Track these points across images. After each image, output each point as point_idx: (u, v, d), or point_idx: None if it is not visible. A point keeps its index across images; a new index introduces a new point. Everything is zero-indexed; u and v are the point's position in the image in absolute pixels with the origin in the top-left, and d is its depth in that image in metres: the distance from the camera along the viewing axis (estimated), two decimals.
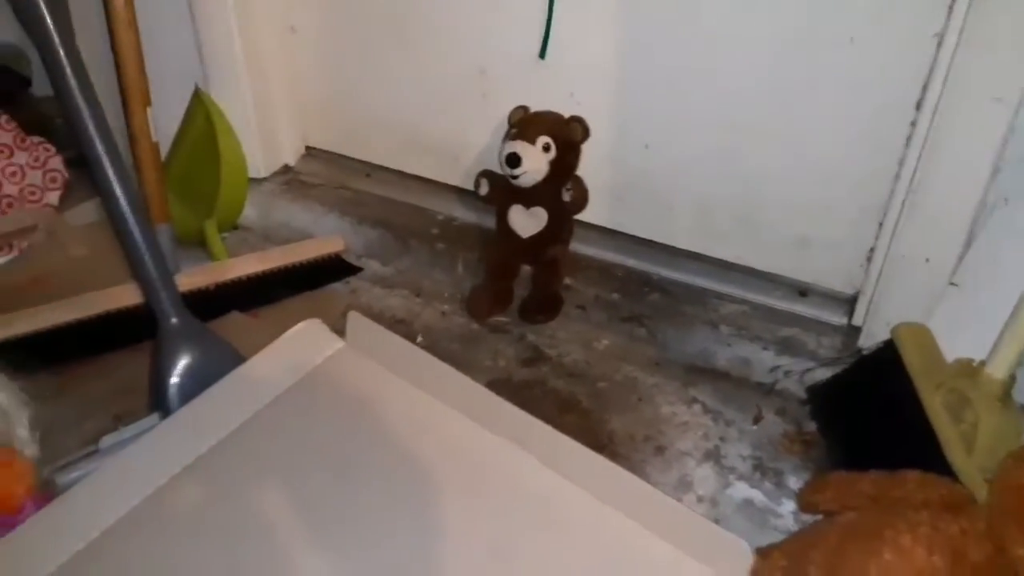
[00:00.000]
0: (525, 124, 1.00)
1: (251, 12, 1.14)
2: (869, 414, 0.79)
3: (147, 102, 0.91)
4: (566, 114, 1.02)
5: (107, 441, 0.77)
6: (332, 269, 1.14)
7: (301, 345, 0.86)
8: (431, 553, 0.67)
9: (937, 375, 0.71)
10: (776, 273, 1.02)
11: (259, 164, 1.24)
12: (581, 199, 1.02)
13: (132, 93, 0.89)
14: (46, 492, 0.71)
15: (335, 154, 1.30)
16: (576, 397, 0.93)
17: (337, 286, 1.13)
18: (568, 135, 0.99)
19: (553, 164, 0.99)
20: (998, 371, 0.66)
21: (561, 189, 1.01)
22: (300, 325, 0.87)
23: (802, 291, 1.01)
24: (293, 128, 1.28)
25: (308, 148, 1.31)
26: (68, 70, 0.72)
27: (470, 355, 0.99)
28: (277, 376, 0.82)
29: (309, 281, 1.12)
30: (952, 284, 0.80)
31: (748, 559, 0.63)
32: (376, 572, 0.66)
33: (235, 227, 1.22)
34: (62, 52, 0.72)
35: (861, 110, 0.88)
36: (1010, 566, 0.52)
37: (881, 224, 0.90)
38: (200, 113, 1.13)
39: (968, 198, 0.77)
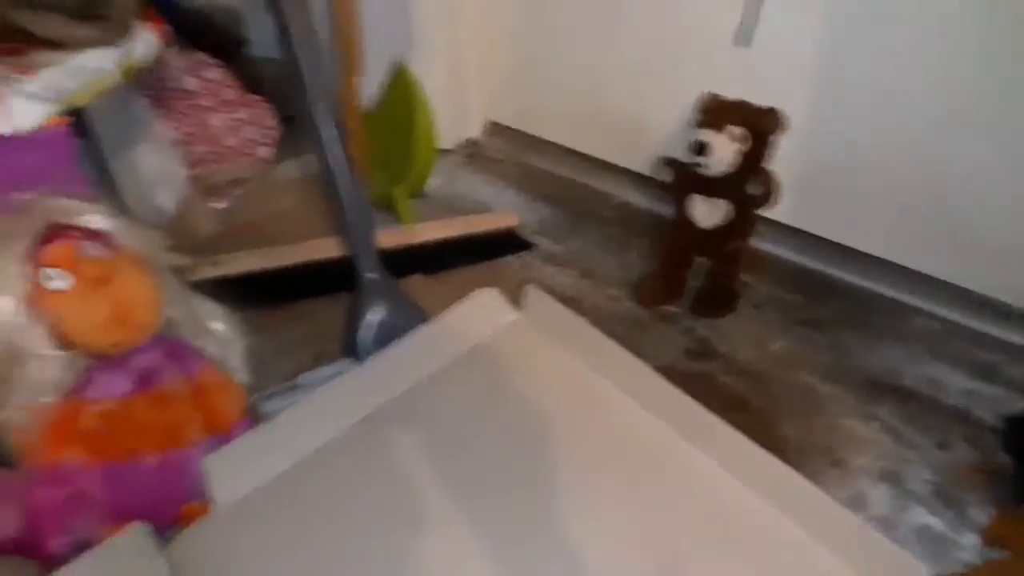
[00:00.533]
0: (716, 112, 0.98)
1: None
2: None
3: (358, 72, 0.97)
4: (761, 104, 0.99)
5: (306, 378, 0.84)
6: (506, 243, 1.18)
7: (479, 312, 0.90)
8: (591, 545, 0.67)
9: None
10: (978, 291, 0.95)
11: (447, 135, 1.30)
12: (769, 194, 0.99)
13: (347, 62, 0.96)
14: (252, 416, 0.78)
15: (517, 131, 1.34)
16: (746, 397, 0.91)
17: (509, 259, 1.17)
18: (762, 126, 0.96)
19: (743, 155, 0.96)
20: None
21: (748, 182, 0.99)
22: (479, 293, 0.91)
23: (1007, 313, 0.93)
24: (480, 103, 1.32)
25: (492, 123, 1.36)
26: (300, 36, 0.78)
27: (635, 341, 0.99)
28: (457, 339, 0.86)
29: (484, 252, 1.16)
30: None
31: None
32: (531, 552, 0.68)
33: (419, 194, 1.29)
34: (295, 18, 0.78)
35: None
36: None
37: None
38: (400, 85, 1.20)
39: None
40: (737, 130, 0.96)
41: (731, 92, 1.01)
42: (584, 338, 0.85)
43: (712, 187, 1.00)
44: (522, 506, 0.71)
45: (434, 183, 1.29)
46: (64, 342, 0.67)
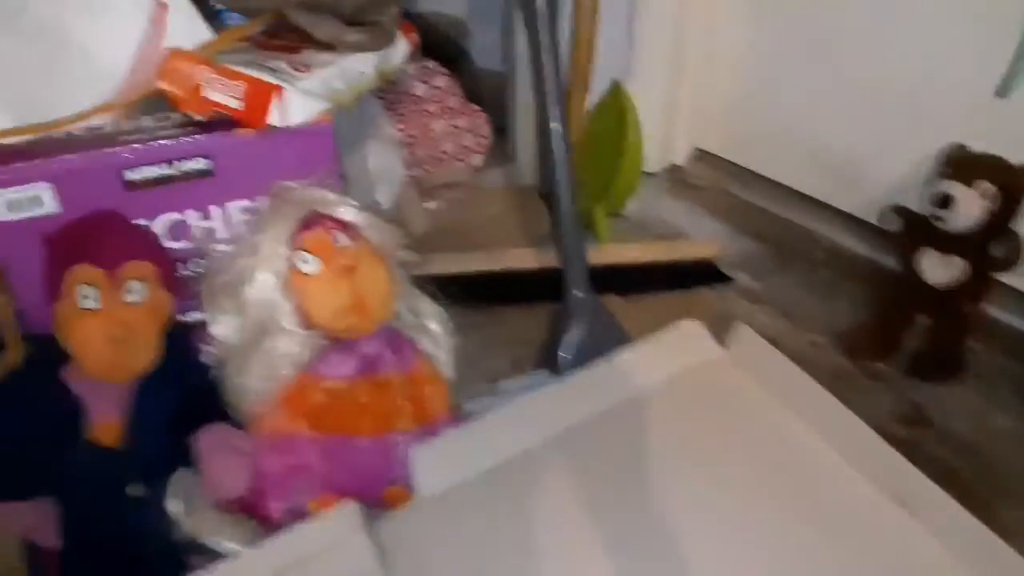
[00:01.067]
0: (967, 165, 0.91)
1: (685, 16, 1.18)
2: None
3: (587, 88, 0.99)
4: (1018, 162, 0.91)
5: (506, 385, 0.87)
6: (703, 273, 1.15)
7: (683, 343, 0.88)
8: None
9: None
10: None
11: (652, 159, 1.29)
12: (1015, 257, 0.90)
13: (577, 78, 0.97)
14: (455, 413, 0.82)
15: (725, 160, 1.31)
16: (960, 473, 0.83)
17: (705, 291, 1.14)
18: (1018, 186, 0.88)
19: (990, 214, 0.89)
20: None
21: (992, 242, 0.90)
22: (683, 324, 0.89)
23: None
24: (689, 129, 1.31)
25: (699, 150, 1.34)
26: (547, 49, 0.81)
27: (838, 397, 0.93)
28: (658, 367, 0.85)
29: (679, 280, 1.14)
30: None
31: None
32: None
33: (617, 214, 1.29)
34: (545, 35, 0.81)
35: None
36: None
37: None
38: (614, 104, 1.21)
39: None
40: (989, 186, 0.88)
41: (981, 145, 0.94)
42: (792, 384, 0.81)
43: (949, 243, 0.92)
44: (705, 547, 0.68)
45: (633, 205, 1.29)
46: (306, 321, 0.73)
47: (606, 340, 0.87)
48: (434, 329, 0.84)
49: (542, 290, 1.06)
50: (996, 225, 0.89)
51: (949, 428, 0.88)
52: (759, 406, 0.82)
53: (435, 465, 0.74)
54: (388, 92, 1.24)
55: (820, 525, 0.70)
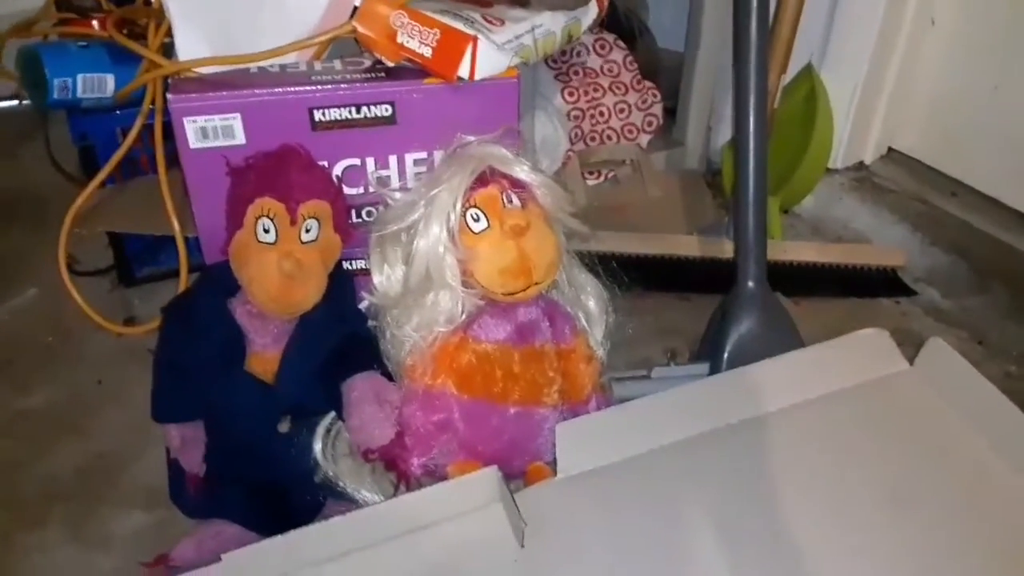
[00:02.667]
0: None
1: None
2: None
3: (784, 69, 0.92)
4: None
5: (659, 373, 0.82)
6: (882, 283, 1.05)
7: (864, 352, 0.80)
8: None
9: None
10: None
11: (837, 154, 1.19)
12: None
13: (776, 56, 0.90)
14: (604, 394, 0.78)
15: (920, 163, 1.18)
16: None
17: (883, 302, 1.04)
18: None
19: None
20: None
21: None
22: (866, 332, 0.81)
23: None
24: (884, 126, 1.19)
25: (891, 150, 1.22)
26: (755, 19, 0.75)
27: None
28: (835, 374, 0.78)
29: (854, 287, 1.05)
30: None
31: None
32: None
33: (790, 210, 1.20)
34: (755, 4, 0.75)
35: None
36: None
37: None
38: (803, 89, 1.12)
39: None
40: None
41: None
42: (990, 410, 0.72)
43: None
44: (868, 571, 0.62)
45: (809, 201, 1.20)
46: (468, 279, 0.71)
47: (776, 340, 0.80)
48: (592, 306, 0.80)
49: (703, 280, 1.00)
50: None
51: None
52: (947, 429, 0.73)
53: (581, 444, 0.70)
54: (560, 62, 1.21)
55: (1008, 564, 0.62)
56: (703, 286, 1.00)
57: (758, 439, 0.73)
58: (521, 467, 0.73)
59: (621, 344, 0.88)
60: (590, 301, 0.80)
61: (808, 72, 1.11)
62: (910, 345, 0.78)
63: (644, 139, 1.24)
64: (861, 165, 1.21)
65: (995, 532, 0.64)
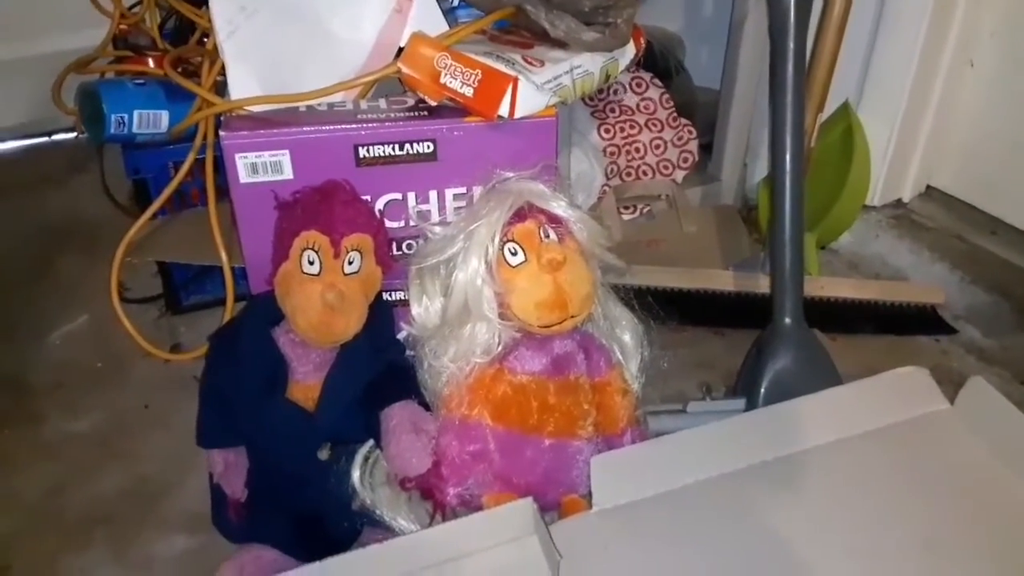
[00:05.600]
0: None
1: (938, 38, 1.08)
2: None
3: (821, 108, 0.92)
4: None
5: (694, 407, 0.82)
6: (921, 320, 1.04)
7: (904, 390, 0.79)
8: None
9: None
10: None
11: (875, 191, 1.19)
12: None
13: (813, 95, 0.91)
14: (639, 428, 0.78)
15: (959, 201, 1.17)
16: None
17: (923, 340, 1.03)
18: None
19: None
20: None
21: None
22: (906, 369, 0.80)
23: None
24: (923, 163, 1.19)
25: (929, 188, 1.21)
26: (793, 59, 0.76)
27: None
28: (873, 412, 0.77)
29: (893, 324, 1.04)
30: None
31: None
32: None
33: (827, 246, 1.20)
34: (792, 46, 0.76)
35: None
36: None
37: None
38: (840, 127, 1.12)
39: None
40: None
41: None
42: None
43: None
44: None
45: (847, 239, 1.19)
46: (505, 312, 0.72)
47: (813, 376, 0.80)
48: (627, 340, 0.81)
49: (739, 315, 1.00)
50: None
51: None
52: (987, 471, 0.72)
53: (616, 477, 0.70)
54: (597, 99, 1.23)
55: None
56: (738, 321, 1.00)
57: (793, 477, 0.72)
58: (556, 499, 0.73)
59: (657, 378, 0.88)
60: (625, 335, 0.81)
61: (845, 110, 1.12)
62: (950, 384, 0.78)
63: (679, 175, 1.25)
64: (899, 203, 1.21)
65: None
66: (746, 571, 0.65)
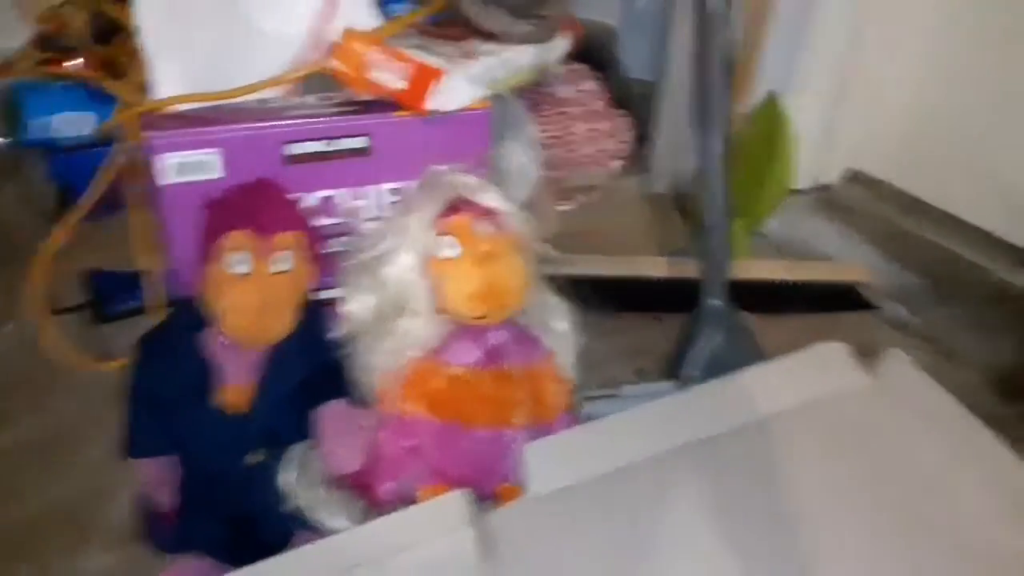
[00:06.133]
0: None
1: (863, 27, 1.11)
2: None
3: (746, 95, 0.95)
4: None
5: (627, 391, 0.84)
6: (847, 299, 1.08)
7: (823, 366, 0.82)
8: None
9: None
10: None
11: (801, 176, 1.22)
12: None
13: (739, 82, 0.93)
14: (573, 414, 0.79)
15: (885, 183, 1.22)
16: None
17: (847, 318, 1.06)
18: None
19: None
20: None
21: None
22: (824, 345, 0.83)
23: None
24: (847, 148, 1.23)
25: (854, 171, 1.25)
26: (718, 51, 0.78)
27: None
28: (795, 388, 0.80)
29: (818, 303, 1.08)
30: None
31: None
32: None
33: (755, 231, 1.23)
34: (718, 38, 0.78)
35: None
36: None
37: None
38: (766, 113, 1.15)
39: None
40: None
41: None
42: (950, 420, 0.74)
43: None
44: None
45: (775, 223, 1.23)
46: (439, 305, 0.73)
47: (740, 355, 0.82)
48: (561, 328, 0.82)
49: (673, 301, 1.02)
50: None
51: None
52: (907, 442, 0.75)
53: (549, 464, 0.72)
54: (532, 92, 1.24)
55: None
56: (673, 306, 1.02)
57: (722, 455, 0.74)
58: (492, 489, 0.74)
59: (593, 365, 0.90)
60: (560, 324, 0.82)
61: (770, 98, 1.15)
62: (876, 359, 0.81)
63: (615, 166, 1.27)
64: (826, 187, 1.25)
65: (953, 545, 0.66)
66: (681, 551, 0.67)
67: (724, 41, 0.79)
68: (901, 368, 0.80)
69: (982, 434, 0.72)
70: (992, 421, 0.87)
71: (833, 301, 1.08)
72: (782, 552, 0.66)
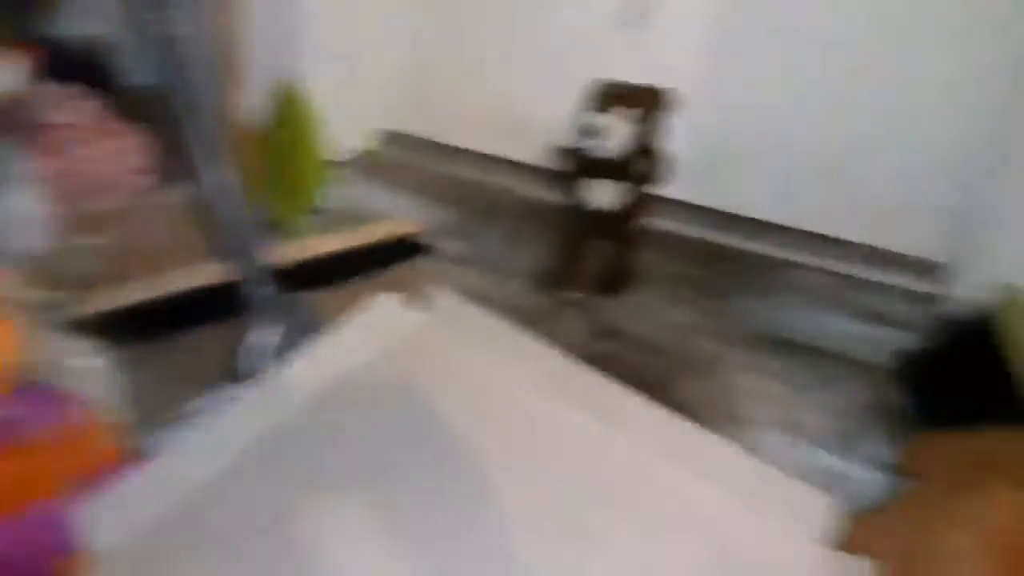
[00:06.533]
0: (606, 95, 0.98)
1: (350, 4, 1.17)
2: (963, 380, 0.75)
3: (238, 87, 0.93)
4: (650, 84, 0.99)
5: (192, 409, 0.80)
6: (408, 249, 1.15)
7: (379, 318, 0.87)
8: (510, 524, 0.67)
9: None
10: (863, 243, 0.98)
11: (341, 147, 1.26)
12: (662, 171, 0.99)
13: (227, 78, 0.92)
14: (138, 454, 0.73)
15: (416, 137, 1.31)
16: (650, 370, 0.91)
17: (413, 266, 1.14)
18: (651, 106, 0.97)
19: (635, 136, 0.96)
20: None
21: (640, 162, 0.99)
22: (377, 298, 0.89)
23: (889, 260, 0.96)
24: (375, 112, 1.30)
25: (389, 132, 1.33)
26: (183, 54, 0.75)
27: (547, 329, 0.97)
28: (357, 348, 0.83)
29: (384, 261, 1.13)
30: None
31: (834, 516, 0.60)
32: (450, 543, 0.67)
33: (315, 210, 1.25)
34: (180, 37, 0.75)
35: (959, 71, 0.83)
36: None
37: (975, 187, 0.84)
38: (285, 102, 1.15)
39: None
40: (627, 111, 0.96)
41: (621, 75, 1.01)
42: (493, 333, 0.84)
43: (606, 170, 0.99)
44: (437, 500, 0.69)
45: (331, 196, 1.26)
46: None
47: (304, 336, 0.83)
48: (94, 371, 0.75)
49: (230, 304, 0.99)
50: (641, 146, 0.98)
51: (638, 334, 0.96)
52: (467, 360, 0.83)
53: (110, 519, 0.65)
54: (20, 126, 1.09)
55: (538, 459, 0.73)
56: (228, 310, 0.99)
57: (297, 437, 0.75)
58: (48, 569, 0.65)
59: (160, 394, 0.84)
60: (91, 365, 0.74)
61: (282, 86, 1.15)
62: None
63: (142, 181, 1.18)
64: (367, 151, 1.31)
65: (519, 434, 0.75)
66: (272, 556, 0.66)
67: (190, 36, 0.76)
68: (447, 301, 0.88)
69: (519, 336, 0.84)
70: (539, 315, 1.02)
71: (395, 255, 1.14)
72: (384, 503, 0.69)
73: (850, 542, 0.59)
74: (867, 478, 0.74)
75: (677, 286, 1.01)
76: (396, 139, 1.33)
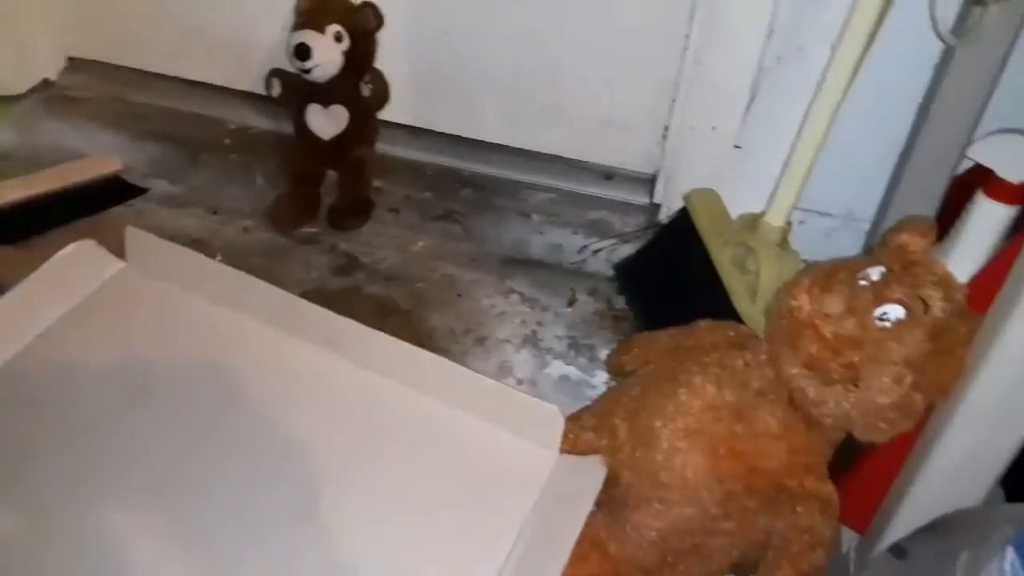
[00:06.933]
0: (313, 12, 0.93)
1: None
2: (668, 279, 0.83)
3: None
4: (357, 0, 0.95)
5: None
6: (112, 192, 1.03)
7: (74, 269, 0.77)
8: (240, 465, 0.65)
9: (725, 233, 0.75)
10: (582, 159, 1.04)
11: (10, 80, 1.08)
12: (382, 93, 0.97)
13: None
14: None
15: (104, 64, 1.15)
16: (394, 300, 0.91)
17: (119, 209, 1.02)
18: (360, 22, 0.93)
19: (347, 55, 0.92)
20: (775, 219, 0.70)
21: (359, 83, 0.96)
22: (70, 247, 0.78)
23: (607, 175, 1.04)
24: (50, 38, 1.11)
25: (70, 59, 1.16)
26: None
27: (279, 270, 0.93)
28: (48, 304, 0.74)
29: (86, 207, 1.00)
30: (736, 147, 0.84)
31: (560, 423, 0.64)
32: (186, 490, 0.63)
33: None
34: None
35: None
36: (784, 385, 0.56)
37: (674, 100, 0.93)
38: None
39: (746, 63, 0.80)
40: (339, 28, 0.91)
41: None
42: (201, 273, 0.78)
43: (325, 94, 0.95)
44: (161, 453, 0.65)
45: (5, 139, 1.08)
46: None
47: None
48: None
49: None
50: (357, 66, 0.94)
51: (378, 265, 0.95)
52: (172, 305, 0.77)
53: None
54: None
55: (262, 394, 0.70)
56: None
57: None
58: None
59: None
60: None
61: None
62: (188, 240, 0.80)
63: None
64: (46, 83, 1.14)
65: (250, 374, 0.72)
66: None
67: None
68: (144, 243, 0.79)
69: (234, 277, 0.77)
70: (276, 250, 0.96)
71: (99, 199, 1.01)
72: (93, 455, 0.63)
73: (563, 442, 0.64)
74: (598, 382, 0.81)
75: (413, 213, 1.01)
76: (86, 67, 1.17)
